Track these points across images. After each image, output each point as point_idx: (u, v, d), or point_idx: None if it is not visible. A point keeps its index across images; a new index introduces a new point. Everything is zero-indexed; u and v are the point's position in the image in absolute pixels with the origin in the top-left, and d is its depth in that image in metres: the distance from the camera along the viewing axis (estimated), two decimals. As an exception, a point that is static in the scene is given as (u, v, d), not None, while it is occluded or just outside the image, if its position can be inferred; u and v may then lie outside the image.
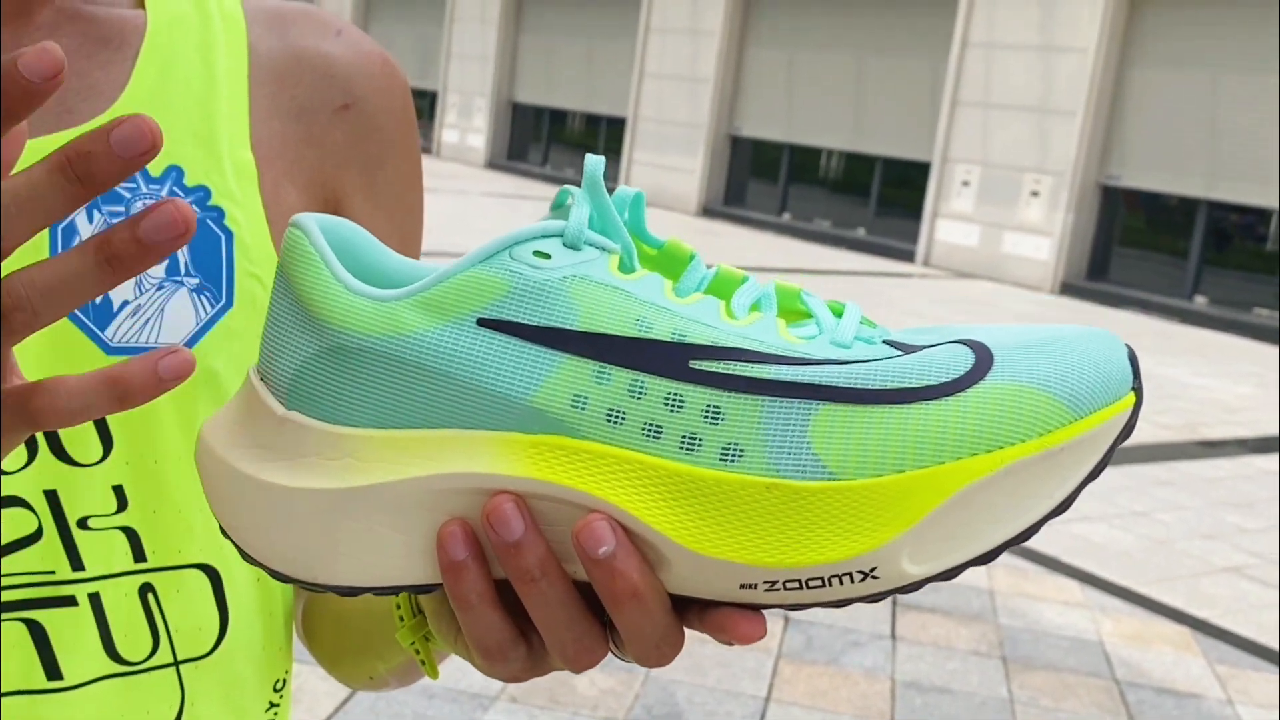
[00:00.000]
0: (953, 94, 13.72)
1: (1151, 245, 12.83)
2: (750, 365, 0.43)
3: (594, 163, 0.45)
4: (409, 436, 0.43)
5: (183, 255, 0.59)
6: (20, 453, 0.56)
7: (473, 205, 14.27)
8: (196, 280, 0.60)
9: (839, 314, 0.47)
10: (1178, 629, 4.01)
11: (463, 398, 0.43)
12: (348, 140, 0.67)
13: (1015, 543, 0.44)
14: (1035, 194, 13.06)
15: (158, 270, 0.59)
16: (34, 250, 0.56)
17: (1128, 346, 0.46)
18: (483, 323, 0.43)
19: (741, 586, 0.43)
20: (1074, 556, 4.60)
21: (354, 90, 0.68)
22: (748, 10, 16.30)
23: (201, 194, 0.60)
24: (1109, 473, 5.88)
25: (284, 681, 0.69)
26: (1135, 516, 5.23)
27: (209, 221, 0.60)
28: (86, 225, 0.57)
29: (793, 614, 3.73)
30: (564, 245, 0.44)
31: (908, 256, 14.29)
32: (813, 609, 0.45)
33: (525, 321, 0.43)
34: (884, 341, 0.45)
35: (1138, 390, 0.45)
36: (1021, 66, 13.15)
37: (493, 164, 20.80)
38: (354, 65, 0.68)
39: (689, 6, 16.80)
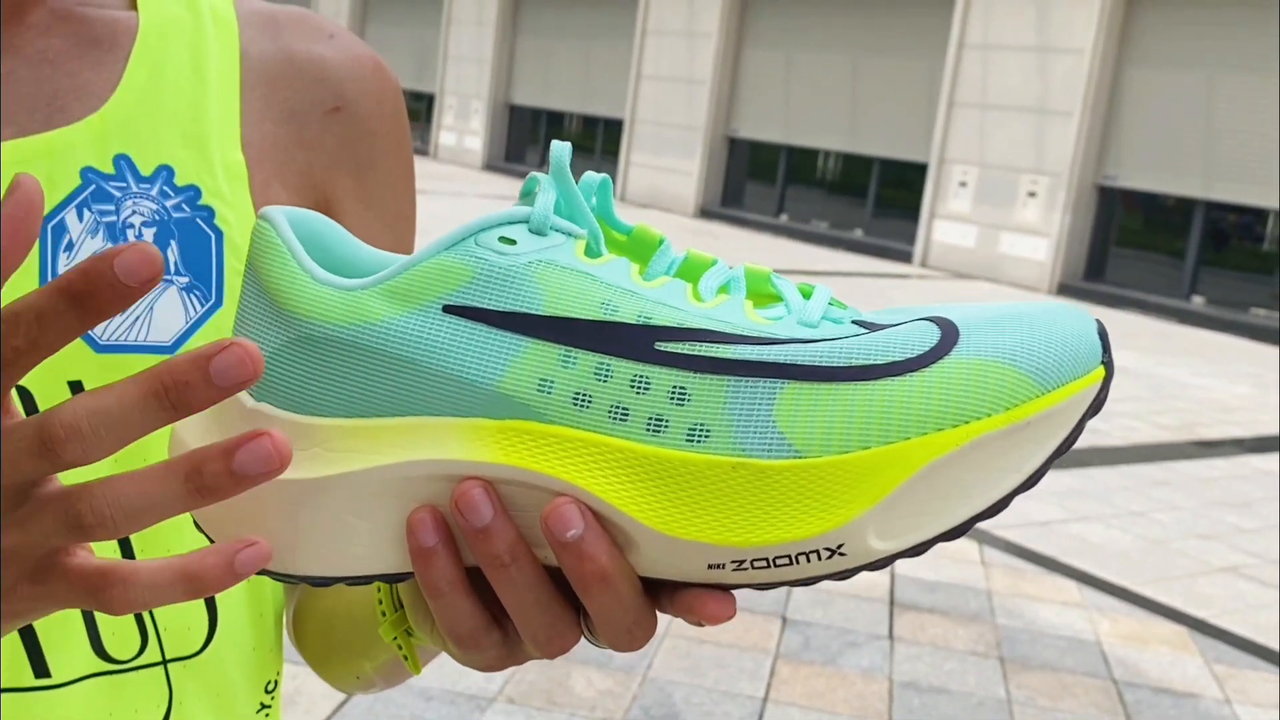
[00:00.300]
0: (949, 95, 13.73)
1: (1149, 245, 12.84)
2: (715, 346, 0.43)
3: (560, 149, 0.45)
4: (377, 425, 0.43)
5: (173, 254, 0.60)
6: None
7: (470, 207, 14.27)
8: (186, 279, 0.60)
9: (809, 296, 0.47)
10: (1175, 629, 4.01)
11: (430, 385, 0.43)
12: (338, 143, 0.67)
13: (984, 518, 0.44)
14: (1032, 195, 13.07)
15: None
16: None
17: (1097, 321, 0.46)
18: (448, 309, 0.43)
19: (709, 567, 0.43)
20: (1071, 556, 4.60)
21: (345, 93, 0.68)
22: (744, 12, 16.31)
23: (191, 193, 0.61)
24: (1106, 473, 5.88)
25: (275, 683, 0.69)
26: (1132, 516, 5.23)
27: (199, 221, 0.61)
28: (76, 223, 0.57)
29: (790, 614, 3.73)
30: (530, 231, 0.44)
31: (905, 257, 14.29)
32: (783, 587, 0.45)
33: (490, 307, 0.43)
34: (853, 322, 0.45)
35: (1108, 364, 0.45)
36: (1018, 67, 13.16)
37: (490, 166, 20.80)
38: (345, 68, 0.68)
39: (685, 8, 16.81)
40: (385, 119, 0.70)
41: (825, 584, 4.02)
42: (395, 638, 0.57)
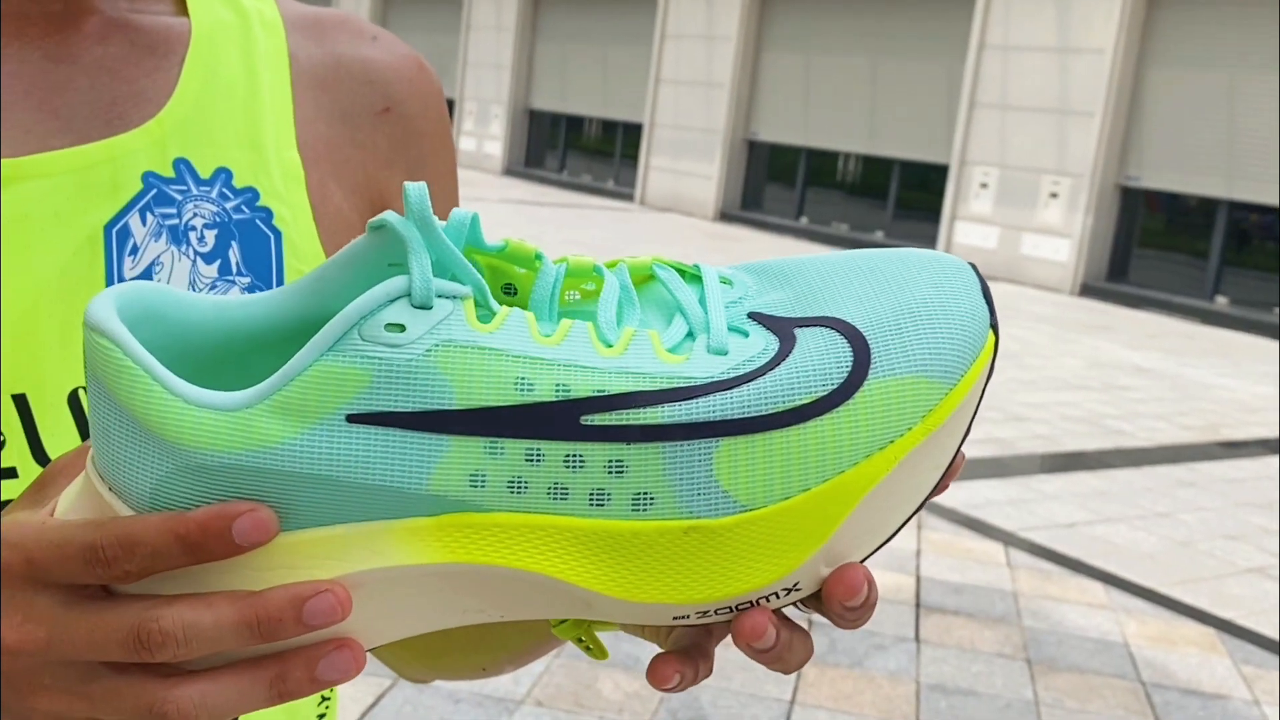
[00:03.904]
0: (970, 96, 13.70)
1: (1171, 246, 12.79)
2: (642, 411, 0.41)
3: (416, 192, 0.42)
4: (303, 539, 0.41)
5: (234, 255, 0.61)
6: (24, 451, 0.56)
7: (490, 213, 14.30)
8: (248, 279, 0.61)
9: (694, 279, 0.46)
10: (1202, 630, 3.99)
11: (351, 496, 0.40)
12: (390, 143, 0.69)
13: (913, 517, 0.45)
14: (1054, 196, 13.03)
15: (210, 270, 0.60)
16: (89, 251, 0.57)
17: (978, 276, 0.46)
18: (353, 419, 0.40)
19: (675, 618, 0.44)
20: (1097, 558, 4.58)
21: (393, 94, 0.69)
22: (763, 15, 16.31)
23: (250, 195, 0.62)
24: (1130, 474, 5.86)
25: None
26: (1158, 518, 5.22)
27: (258, 222, 0.62)
28: (140, 227, 0.58)
29: (816, 617, 3.73)
30: (413, 306, 0.41)
31: (926, 259, 14.24)
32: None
33: (400, 410, 0.40)
34: (749, 316, 0.45)
35: (995, 327, 0.45)
36: (1038, 68, 13.13)
37: (510, 171, 20.83)
38: (392, 69, 0.69)
39: (704, 12, 16.82)
40: (431, 119, 0.71)
41: (850, 586, 4.02)
42: (579, 636, 0.57)
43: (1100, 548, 4.72)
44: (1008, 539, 4.69)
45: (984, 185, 13.68)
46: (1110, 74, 12.45)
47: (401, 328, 0.40)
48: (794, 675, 3.35)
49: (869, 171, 15.38)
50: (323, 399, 0.40)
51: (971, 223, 13.83)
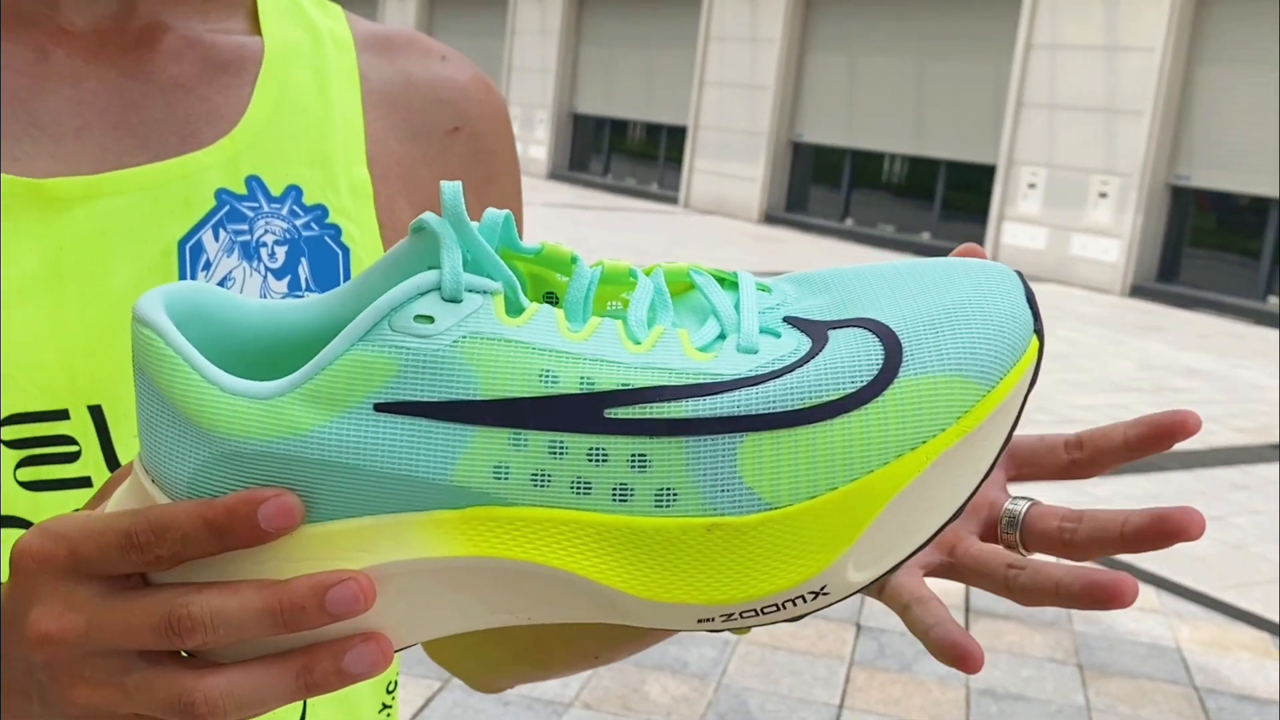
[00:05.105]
0: (1017, 96, 13.60)
1: (1223, 246, 12.63)
2: (666, 405, 0.41)
3: (451, 190, 0.42)
4: (331, 530, 0.41)
5: (303, 271, 0.62)
6: (99, 461, 0.58)
7: (535, 216, 14.35)
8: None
9: (731, 285, 0.46)
10: (1256, 635, 3.94)
11: (378, 486, 0.41)
12: (461, 162, 0.70)
13: (951, 521, 0.44)
14: (1103, 195, 12.91)
15: (281, 286, 0.61)
16: (164, 266, 0.58)
17: (1022, 281, 0.45)
18: (380, 408, 0.41)
19: (699, 621, 0.43)
20: (1149, 562, 4.54)
21: (463, 114, 0.70)
22: (807, 16, 16.27)
23: (319, 212, 0.63)
24: (1183, 477, 5.80)
25: (395, 684, 0.71)
26: (1211, 521, 5.15)
27: (327, 239, 0.63)
28: (213, 242, 0.60)
29: (865, 621, 3.72)
30: (443, 299, 0.41)
31: (973, 261, 14.13)
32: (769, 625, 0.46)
33: (425, 399, 0.41)
34: (785, 320, 0.44)
35: (1039, 332, 0.44)
36: (1087, 67, 13.01)
37: (555, 175, 20.89)
38: (461, 89, 0.71)
39: (748, 14, 16.80)
40: (500, 137, 0.72)
41: (899, 590, 4.00)
42: None
43: (1152, 551, 4.66)
44: (1057, 543, 4.65)
45: (1032, 185, 13.57)
46: (1159, 72, 12.31)
47: (431, 319, 0.41)
48: (842, 680, 3.34)
49: (915, 172, 15.30)
50: (351, 388, 0.40)
51: (1019, 223, 13.73)
